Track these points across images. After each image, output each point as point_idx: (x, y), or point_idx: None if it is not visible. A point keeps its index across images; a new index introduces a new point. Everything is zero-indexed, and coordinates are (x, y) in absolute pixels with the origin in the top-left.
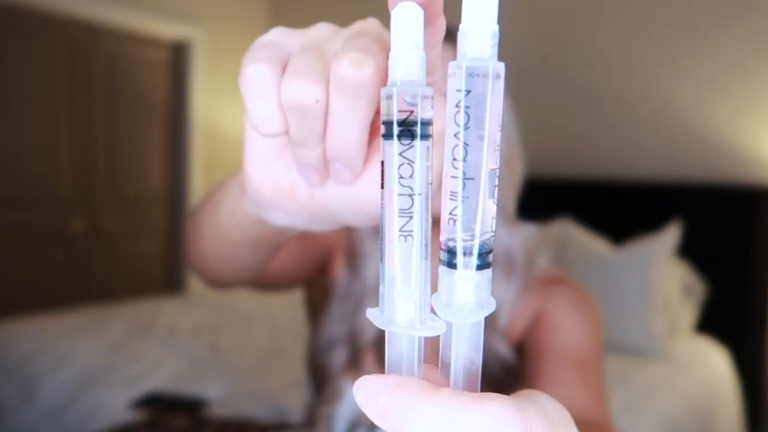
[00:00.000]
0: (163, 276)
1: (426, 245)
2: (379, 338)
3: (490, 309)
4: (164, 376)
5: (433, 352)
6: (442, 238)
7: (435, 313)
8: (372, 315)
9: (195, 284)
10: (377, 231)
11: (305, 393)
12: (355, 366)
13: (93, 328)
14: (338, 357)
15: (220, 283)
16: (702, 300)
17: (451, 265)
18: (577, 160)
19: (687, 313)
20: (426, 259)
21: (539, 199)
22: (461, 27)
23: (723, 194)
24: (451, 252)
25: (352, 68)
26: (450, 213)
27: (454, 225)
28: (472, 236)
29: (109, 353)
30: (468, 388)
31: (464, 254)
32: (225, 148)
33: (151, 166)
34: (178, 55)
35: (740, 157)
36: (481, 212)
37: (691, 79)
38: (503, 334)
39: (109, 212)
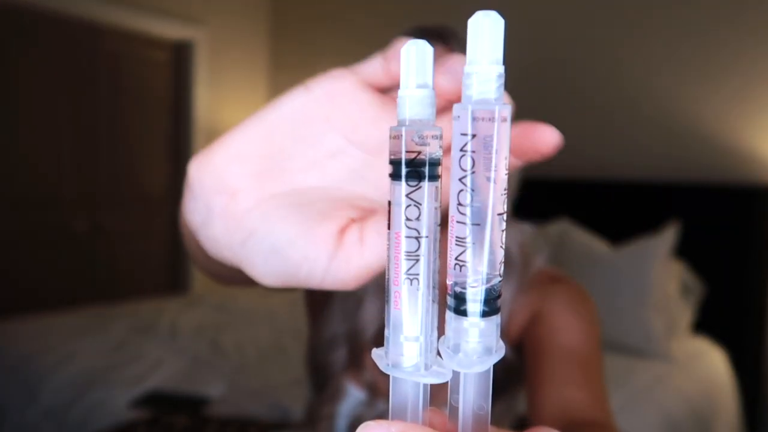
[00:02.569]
0: (164, 276)
1: (433, 288)
2: (380, 337)
3: (498, 356)
4: (165, 375)
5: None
6: (449, 282)
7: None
8: (377, 357)
9: (197, 284)
10: None
11: (306, 392)
12: (356, 364)
13: (95, 328)
14: (339, 356)
15: (221, 281)
16: (700, 300)
17: (458, 311)
18: (576, 161)
19: (685, 312)
20: (433, 302)
21: (538, 199)
22: (466, 69)
23: (721, 194)
24: (458, 298)
25: None
26: (456, 258)
27: (461, 270)
28: (479, 282)
29: (111, 353)
30: None
31: (471, 301)
32: None
33: (153, 166)
34: (179, 55)
35: (738, 157)
36: (487, 257)
37: (690, 79)
38: (502, 333)
39: (111, 212)
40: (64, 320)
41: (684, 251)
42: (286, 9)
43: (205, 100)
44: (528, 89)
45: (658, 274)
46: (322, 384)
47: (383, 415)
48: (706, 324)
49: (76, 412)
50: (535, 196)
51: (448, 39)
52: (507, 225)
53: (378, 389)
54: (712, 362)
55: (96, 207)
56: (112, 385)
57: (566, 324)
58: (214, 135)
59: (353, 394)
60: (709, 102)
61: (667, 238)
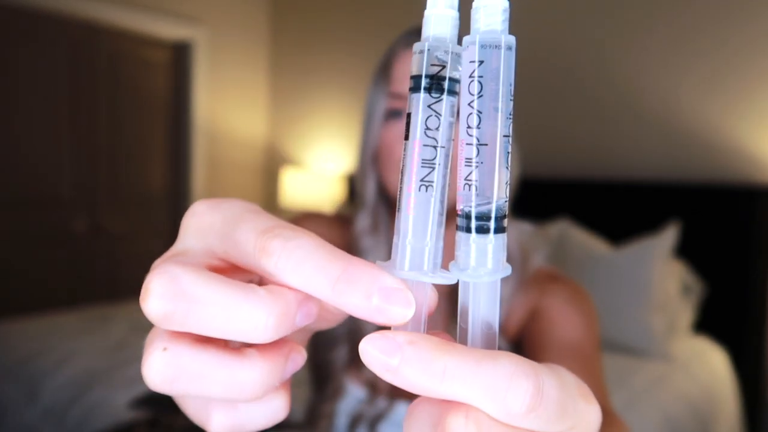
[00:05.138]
0: None
1: (442, 201)
2: None
3: (506, 272)
4: None
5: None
6: (459, 205)
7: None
8: (384, 266)
9: None
10: (375, 228)
11: (306, 392)
12: (356, 363)
13: (94, 328)
14: (339, 354)
15: None
16: (700, 300)
17: (468, 229)
18: (576, 160)
19: (685, 312)
20: (441, 214)
21: (538, 198)
22: (474, 4)
23: (721, 194)
24: (468, 217)
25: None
26: (465, 179)
27: (470, 190)
28: (488, 201)
29: (111, 353)
30: None
31: (480, 218)
32: (226, 148)
33: (152, 165)
34: (179, 55)
35: (738, 157)
36: (497, 177)
37: (690, 79)
38: (500, 329)
39: (111, 212)
40: (63, 320)
41: (684, 251)
42: (286, 9)
43: (204, 100)
44: (528, 89)
45: (658, 274)
46: (323, 382)
47: (383, 414)
48: (707, 324)
49: (76, 412)
50: (535, 196)
51: None
52: (507, 224)
53: (378, 387)
54: (712, 362)
55: (96, 207)
56: (111, 385)
57: (565, 319)
58: (213, 135)
59: (353, 393)
60: (709, 102)
61: (668, 238)
